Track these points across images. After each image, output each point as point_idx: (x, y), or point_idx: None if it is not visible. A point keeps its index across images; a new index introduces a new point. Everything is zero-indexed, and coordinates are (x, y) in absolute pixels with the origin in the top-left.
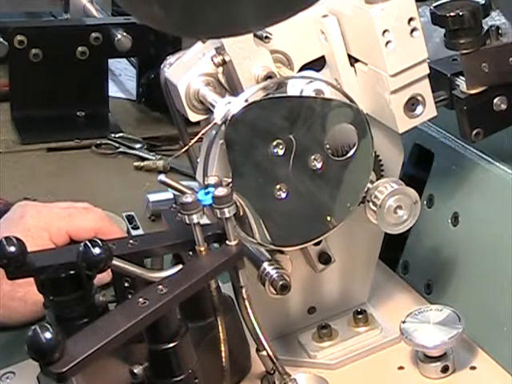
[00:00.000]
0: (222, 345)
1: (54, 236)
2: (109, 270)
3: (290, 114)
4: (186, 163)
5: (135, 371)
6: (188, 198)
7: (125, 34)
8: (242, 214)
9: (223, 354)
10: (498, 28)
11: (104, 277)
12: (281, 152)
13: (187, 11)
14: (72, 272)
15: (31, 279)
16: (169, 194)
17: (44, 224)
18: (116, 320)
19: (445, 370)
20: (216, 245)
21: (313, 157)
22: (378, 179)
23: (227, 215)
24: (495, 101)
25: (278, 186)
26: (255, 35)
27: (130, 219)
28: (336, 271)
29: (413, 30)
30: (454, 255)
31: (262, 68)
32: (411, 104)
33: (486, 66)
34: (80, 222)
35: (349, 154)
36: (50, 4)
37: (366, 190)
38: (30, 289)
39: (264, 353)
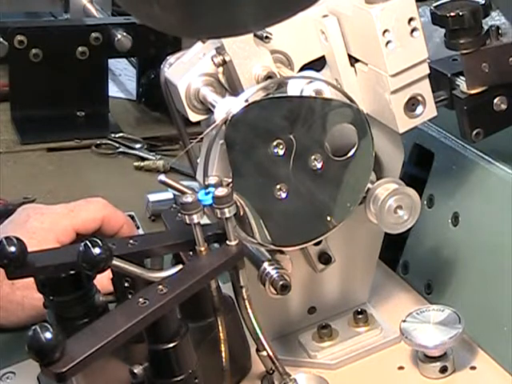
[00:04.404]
0: (222, 345)
1: (60, 236)
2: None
3: (290, 114)
4: (186, 163)
5: (135, 371)
6: (188, 198)
7: (125, 33)
8: (242, 213)
9: (223, 354)
10: (498, 28)
11: (108, 286)
12: (281, 152)
13: (187, 11)
14: (72, 272)
15: (31, 283)
16: (169, 194)
17: (48, 225)
18: (116, 320)
19: (445, 370)
20: (216, 245)
21: (313, 157)
22: (378, 179)
23: (227, 215)
24: (495, 101)
25: (278, 186)
26: (255, 35)
27: (130, 219)
28: (336, 271)
29: (413, 30)
30: (453, 255)
31: (262, 68)
32: (411, 104)
33: (486, 66)
34: (84, 214)
35: (349, 154)
36: (50, 4)
37: (366, 190)
38: (28, 292)
39: (264, 353)
